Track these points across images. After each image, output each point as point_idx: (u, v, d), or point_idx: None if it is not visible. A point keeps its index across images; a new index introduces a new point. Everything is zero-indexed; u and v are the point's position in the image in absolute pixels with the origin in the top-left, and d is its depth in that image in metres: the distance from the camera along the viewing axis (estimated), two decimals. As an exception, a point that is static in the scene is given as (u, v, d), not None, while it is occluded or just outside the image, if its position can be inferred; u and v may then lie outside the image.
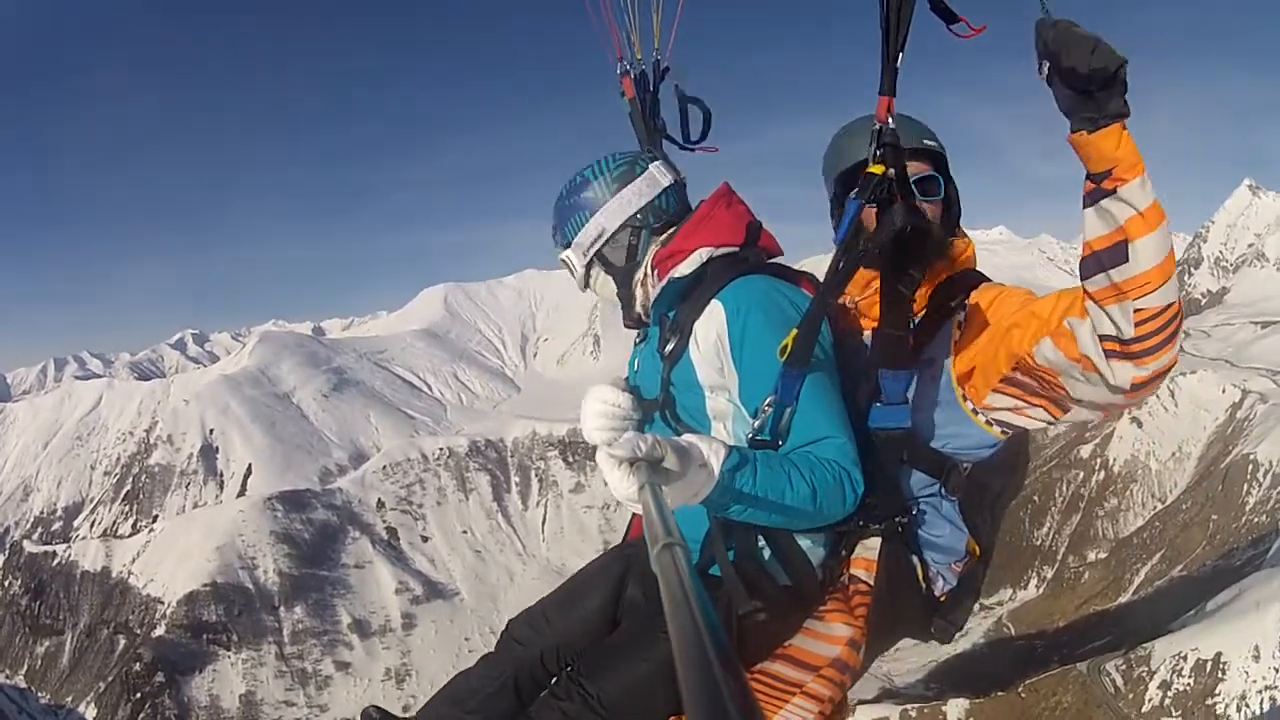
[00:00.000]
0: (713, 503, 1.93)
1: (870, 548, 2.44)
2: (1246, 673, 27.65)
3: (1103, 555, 66.81)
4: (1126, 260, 1.82)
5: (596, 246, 2.50)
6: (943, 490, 2.50)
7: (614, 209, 2.48)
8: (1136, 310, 1.84)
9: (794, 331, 2.08)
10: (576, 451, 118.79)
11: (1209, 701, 27.73)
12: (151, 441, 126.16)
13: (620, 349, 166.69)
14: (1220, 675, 28.08)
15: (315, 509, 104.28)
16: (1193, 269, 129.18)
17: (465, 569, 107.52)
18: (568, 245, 2.52)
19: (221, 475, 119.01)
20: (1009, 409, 2.32)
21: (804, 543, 2.36)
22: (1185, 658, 29.42)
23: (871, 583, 2.42)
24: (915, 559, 2.52)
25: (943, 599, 2.59)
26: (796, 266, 2.61)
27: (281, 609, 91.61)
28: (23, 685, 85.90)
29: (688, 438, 1.88)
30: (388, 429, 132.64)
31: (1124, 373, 1.92)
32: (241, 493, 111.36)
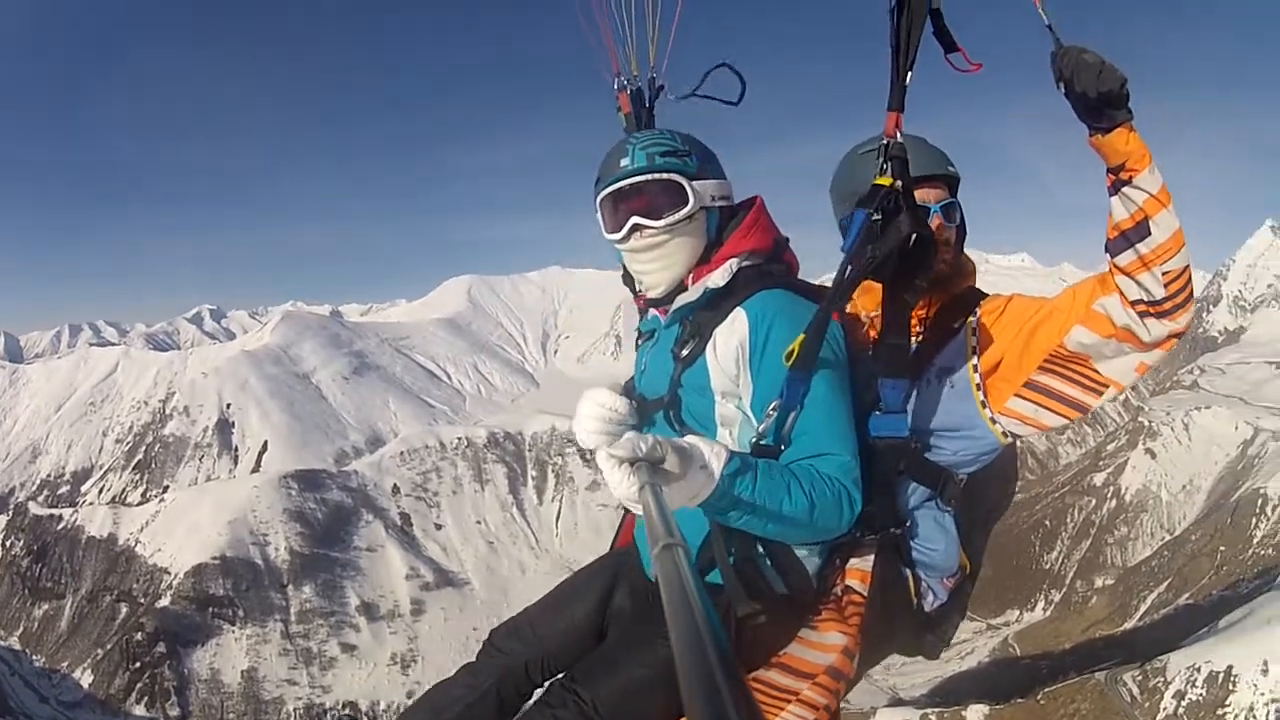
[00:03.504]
0: (711, 506, 1.92)
1: (865, 558, 2.43)
2: (1255, 685, 28.27)
3: (1110, 581, 68.67)
4: (1150, 234, 2.08)
5: (713, 204, 2.38)
6: (939, 502, 2.52)
7: (728, 187, 2.44)
8: (1164, 273, 2.09)
9: (801, 337, 2.08)
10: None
11: (1219, 712, 28.36)
12: (167, 412, 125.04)
13: None
14: (1231, 687, 28.69)
15: (330, 490, 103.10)
16: (1211, 306, 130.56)
17: (477, 559, 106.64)
18: (693, 178, 2.32)
19: (236, 450, 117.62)
20: (1026, 415, 2.41)
21: (799, 551, 2.35)
22: (1199, 669, 29.95)
23: (865, 594, 2.40)
24: (908, 571, 2.53)
25: (932, 614, 2.61)
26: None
27: (290, 587, 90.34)
28: (17, 647, 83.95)
29: (689, 439, 1.88)
30: (406, 415, 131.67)
31: (1159, 329, 2.15)
32: (256, 468, 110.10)
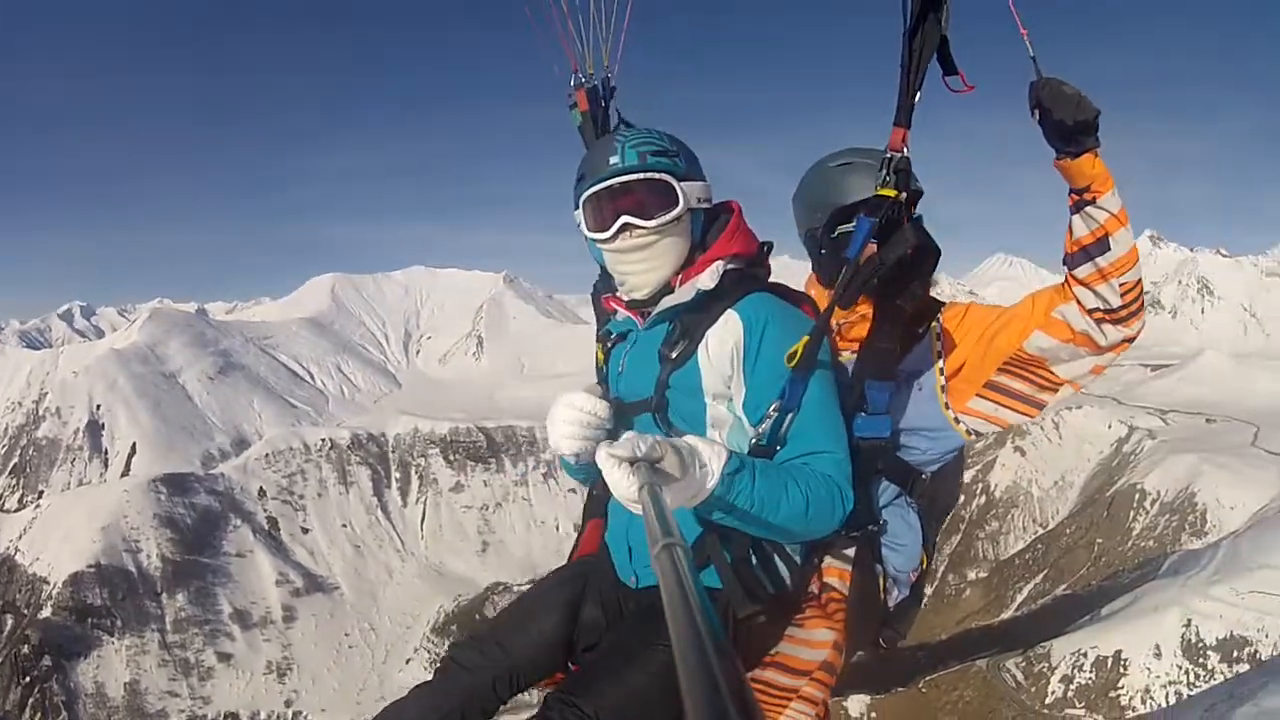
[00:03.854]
0: (710, 506, 1.96)
1: (843, 556, 2.56)
2: (1149, 669, 29.39)
3: (984, 574, 70.37)
4: (1109, 249, 2.31)
5: (698, 206, 2.41)
6: (907, 499, 2.69)
7: (710, 190, 2.48)
8: (1121, 284, 2.34)
9: (805, 339, 2.17)
10: (457, 450, 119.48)
11: (1112, 694, 29.27)
12: (40, 413, 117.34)
13: (502, 352, 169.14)
14: (1122, 670, 29.63)
15: (198, 493, 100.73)
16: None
17: (345, 563, 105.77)
18: (680, 179, 2.35)
19: (106, 453, 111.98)
20: (987, 414, 2.63)
21: (782, 551, 2.37)
22: (1085, 654, 30.80)
23: (845, 591, 2.53)
24: (879, 568, 2.64)
25: (894, 608, 2.74)
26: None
27: (164, 595, 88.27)
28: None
29: (689, 440, 1.92)
30: (270, 416, 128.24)
31: (1115, 334, 2.41)
32: (126, 472, 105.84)
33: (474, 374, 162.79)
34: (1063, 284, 2.50)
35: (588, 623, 2.54)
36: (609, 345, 2.62)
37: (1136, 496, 64.50)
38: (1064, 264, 2.47)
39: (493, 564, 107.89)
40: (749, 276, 2.42)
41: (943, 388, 2.64)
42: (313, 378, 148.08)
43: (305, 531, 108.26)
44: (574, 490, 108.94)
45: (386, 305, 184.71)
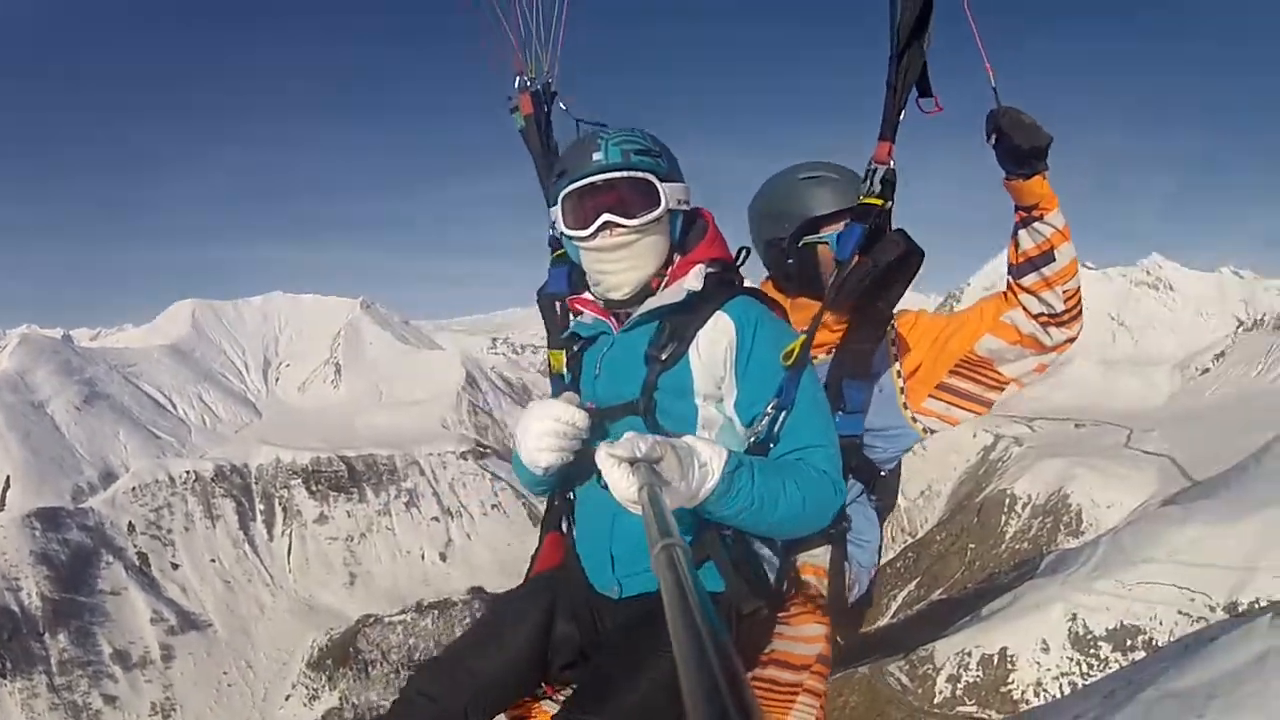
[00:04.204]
0: (709, 505, 1.95)
1: (817, 553, 2.57)
2: (1038, 663, 28.94)
3: None
4: (1054, 260, 2.57)
5: (677, 208, 2.36)
6: (869, 496, 2.82)
7: (689, 192, 2.42)
8: (1064, 291, 2.61)
9: (801, 338, 2.23)
10: (319, 481, 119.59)
11: (1003, 689, 28.86)
12: None
13: (360, 379, 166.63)
14: (1010, 666, 29.20)
15: (70, 529, 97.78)
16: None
17: (216, 600, 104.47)
18: (662, 179, 2.30)
19: None
20: (939, 413, 2.83)
21: (765, 550, 2.36)
22: (970, 654, 30.20)
23: (823, 588, 2.56)
24: (846, 564, 2.67)
25: (852, 605, 2.76)
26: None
27: (47, 635, 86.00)
28: None
29: (688, 439, 1.92)
30: (135, 447, 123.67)
31: (1060, 335, 2.67)
32: (1, 506, 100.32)
33: (333, 402, 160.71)
34: (1006, 292, 2.80)
35: (561, 639, 2.43)
36: (575, 349, 2.53)
37: (1007, 501, 65.53)
38: (1009, 274, 2.75)
39: (361, 596, 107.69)
40: (727, 281, 2.43)
41: (901, 389, 2.83)
42: (175, 407, 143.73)
43: (175, 567, 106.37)
44: (436, 519, 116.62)
45: (246, 332, 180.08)
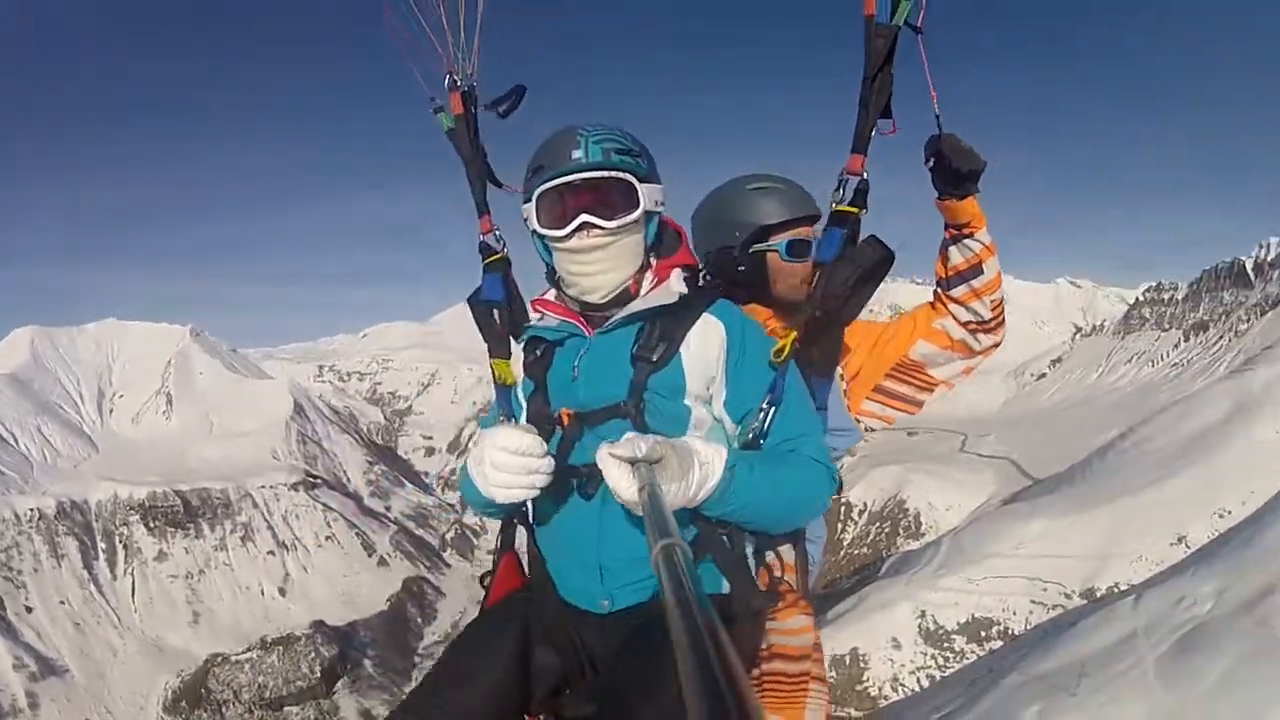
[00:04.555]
0: (711, 504, 1.92)
1: (783, 549, 2.50)
2: (891, 660, 29.26)
3: None
4: (982, 274, 2.78)
5: (654, 209, 2.29)
6: None
7: (664, 194, 2.34)
8: (991, 301, 2.82)
9: (792, 334, 2.25)
10: (156, 516, 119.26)
11: (858, 688, 28.97)
12: None
13: (191, 410, 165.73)
14: (862, 665, 29.41)
15: None
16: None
17: (70, 643, 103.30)
18: (641, 180, 2.22)
19: None
20: (876, 413, 3.03)
21: (747, 548, 2.27)
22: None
23: (794, 582, 2.48)
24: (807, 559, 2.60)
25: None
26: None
27: None
28: None
29: (686, 439, 1.90)
30: None
31: (987, 340, 2.91)
32: None
33: (165, 433, 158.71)
34: (934, 303, 2.99)
35: (542, 666, 2.27)
36: (539, 353, 2.39)
37: (842, 510, 64.84)
38: (938, 286, 2.94)
39: (205, 635, 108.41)
40: (698, 285, 2.41)
41: (845, 391, 2.94)
42: (16, 441, 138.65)
43: (29, 610, 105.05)
44: (273, 553, 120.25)
45: (80, 361, 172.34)
